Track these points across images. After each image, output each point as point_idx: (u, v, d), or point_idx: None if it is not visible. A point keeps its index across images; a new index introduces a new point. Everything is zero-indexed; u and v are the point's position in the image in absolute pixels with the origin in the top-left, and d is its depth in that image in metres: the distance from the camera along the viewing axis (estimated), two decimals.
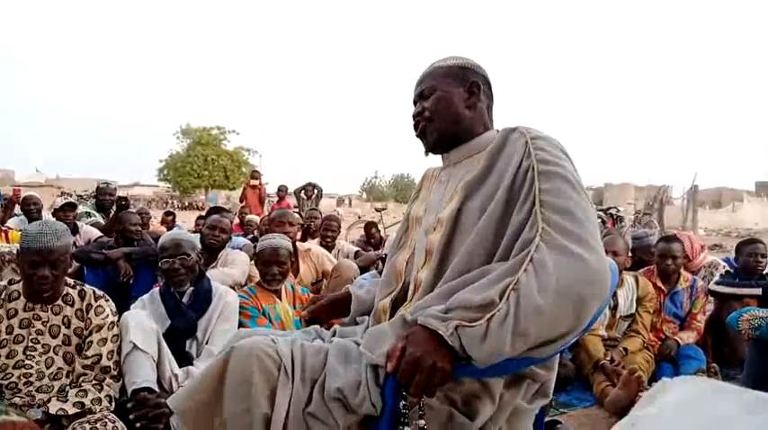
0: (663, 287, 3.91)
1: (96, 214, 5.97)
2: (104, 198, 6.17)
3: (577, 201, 1.35)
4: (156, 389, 2.50)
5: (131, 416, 2.36)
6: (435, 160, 1.77)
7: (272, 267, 3.30)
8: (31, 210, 5.37)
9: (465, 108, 1.64)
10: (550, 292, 1.22)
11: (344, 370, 1.43)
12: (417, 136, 1.71)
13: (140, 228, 4.39)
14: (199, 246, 3.19)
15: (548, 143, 1.46)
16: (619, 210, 19.20)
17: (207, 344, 2.87)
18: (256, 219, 7.47)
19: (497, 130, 1.65)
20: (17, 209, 5.75)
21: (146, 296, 3.04)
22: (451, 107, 1.63)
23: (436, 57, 1.74)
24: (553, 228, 1.29)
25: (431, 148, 1.70)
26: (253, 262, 3.76)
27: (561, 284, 1.23)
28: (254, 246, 3.77)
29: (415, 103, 1.72)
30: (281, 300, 3.31)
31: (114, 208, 5.91)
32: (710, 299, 4.09)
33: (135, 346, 2.50)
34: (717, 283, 4.00)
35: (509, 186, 1.43)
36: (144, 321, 2.62)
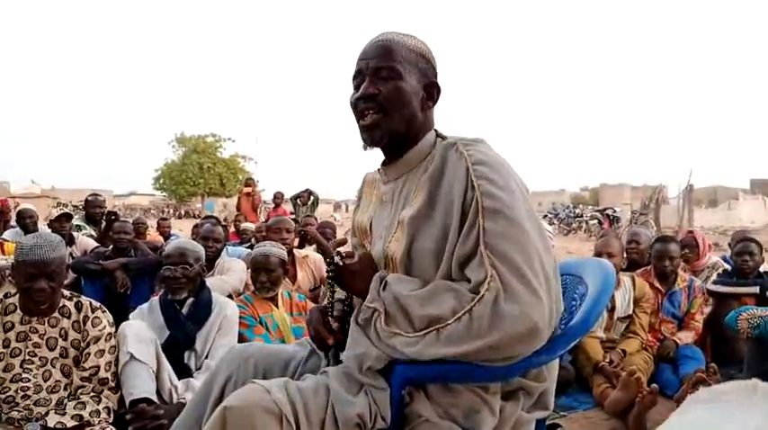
0: (660, 287, 3.91)
1: (87, 226, 5.92)
2: (94, 210, 6.07)
3: (523, 243, 1.30)
4: (155, 399, 2.49)
5: (130, 428, 2.35)
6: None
7: (260, 274, 3.32)
8: (26, 222, 5.34)
9: (419, 110, 1.49)
10: (475, 346, 1.26)
11: (354, 396, 1.37)
12: (360, 125, 1.50)
13: (126, 236, 4.36)
14: (203, 257, 3.16)
15: (490, 169, 1.37)
16: (615, 211, 19.32)
17: (207, 358, 2.85)
18: (252, 226, 7.47)
19: (434, 131, 1.55)
20: (12, 220, 5.73)
21: (145, 305, 3.04)
22: (410, 107, 1.47)
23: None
24: (501, 280, 1.26)
25: (374, 144, 1.52)
26: (249, 270, 3.76)
27: (490, 342, 1.25)
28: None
29: (358, 75, 1.51)
30: (277, 307, 3.31)
31: (104, 220, 5.85)
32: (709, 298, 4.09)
33: (132, 357, 2.49)
34: (714, 283, 4.00)
35: (460, 220, 1.36)
36: (141, 331, 2.61)
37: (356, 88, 1.52)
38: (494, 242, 1.29)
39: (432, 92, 1.52)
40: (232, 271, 3.93)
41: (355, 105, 1.51)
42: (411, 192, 1.51)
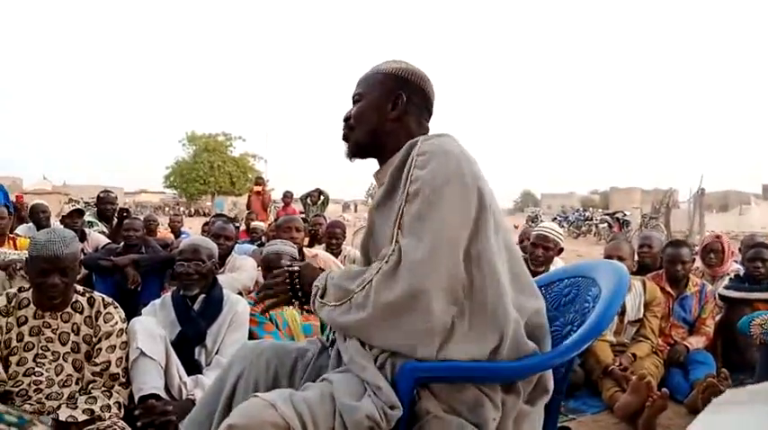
0: (671, 292, 3.88)
1: (99, 223, 5.98)
2: (105, 207, 6.12)
3: (435, 221, 1.38)
4: (164, 395, 2.50)
5: (138, 424, 2.36)
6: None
7: (273, 272, 3.31)
8: (39, 218, 5.38)
9: (387, 121, 1.65)
10: (367, 313, 1.40)
11: (359, 400, 1.38)
12: (342, 139, 1.74)
13: (136, 233, 4.39)
14: (217, 254, 3.18)
15: (429, 156, 1.45)
16: (625, 215, 19.21)
17: (217, 354, 2.86)
18: (262, 225, 7.51)
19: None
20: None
21: (157, 301, 3.06)
22: (372, 120, 1.66)
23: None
24: (402, 250, 1.38)
25: (350, 156, 1.73)
26: (260, 268, 3.78)
27: (377, 309, 1.38)
28: (261, 253, 3.80)
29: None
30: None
31: (116, 217, 5.89)
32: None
33: (142, 353, 2.50)
34: (726, 288, 3.97)
35: None
36: (151, 327, 2.62)
37: None
38: (407, 222, 1.41)
39: (396, 102, 1.65)
40: (243, 269, 3.95)
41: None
42: None
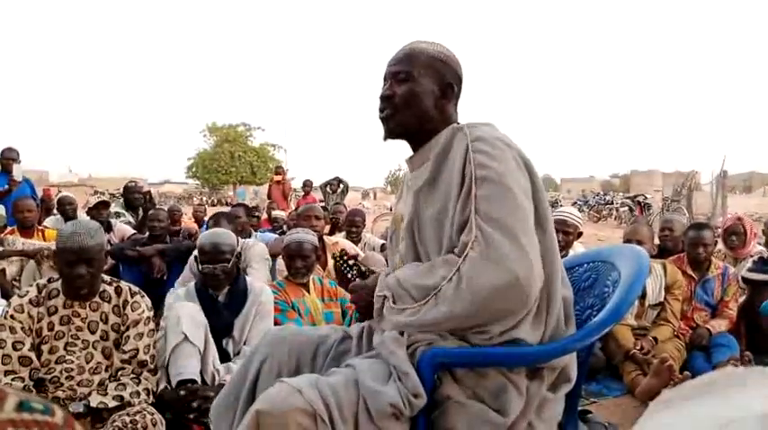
0: (693, 275, 3.85)
1: (126, 213, 6.10)
2: (133, 196, 6.26)
3: (511, 206, 1.40)
4: (200, 381, 2.56)
5: (194, 404, 2.44)
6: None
7: (296, 261, 3.36)
8: (66, 209, 5.50)
9: (434, 107, 1.63)
10: (464, 302, 1.37)
11: (385, 386, 1.39)
12: (380, 118, 1.69)
13: (160, 224, 4.46)
14: (236, 244, 3.20)
15: (486, 143, 1.48)
16: (646, 198, 18.94)
17: (245, 344, 2.88)
18: (283, 214, 7.58)
19: (456, 125, 1.65)
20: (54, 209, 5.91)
21: (180, 290, 3.08)
22: (421, 104, 1.62)
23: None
24: (485, 238, 1.36)
25: (389, 136, 1.70)
26: (281, 256, 3.82)
27: (476, 297, 1.35)
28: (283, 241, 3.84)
29: (385, 79, 1.68)
30: (309, 293, 3.36)
31: (142, 208, 6.01)
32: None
33: (186, 338, 2.55)
34: (749, 270, 3.93)
35: (458, 191, 1.48)
36: (195, 314, 2.67)
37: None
38: (482, 206, 1.40)
39: (446, 91, 1.65)
40: (253, 266, 3.92)
41: (378, 103, 1.70)
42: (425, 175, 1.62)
